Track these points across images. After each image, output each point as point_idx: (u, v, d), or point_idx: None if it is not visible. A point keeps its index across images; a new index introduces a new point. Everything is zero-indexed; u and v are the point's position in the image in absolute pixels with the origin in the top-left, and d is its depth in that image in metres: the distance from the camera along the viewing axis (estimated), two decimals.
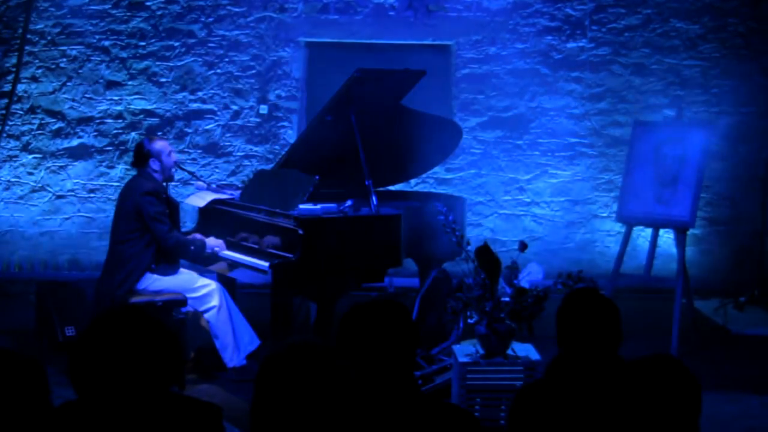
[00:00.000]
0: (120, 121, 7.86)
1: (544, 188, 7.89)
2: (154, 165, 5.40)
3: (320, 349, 2.17)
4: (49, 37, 7.79)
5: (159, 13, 7.79)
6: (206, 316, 5.34)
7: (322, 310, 5.17)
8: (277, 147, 7.83)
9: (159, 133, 7.80)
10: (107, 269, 5.40)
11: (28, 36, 7.76)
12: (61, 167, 7.89)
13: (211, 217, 5.81)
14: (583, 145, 7.87)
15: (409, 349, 2.51)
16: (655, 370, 2.40)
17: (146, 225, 5.28)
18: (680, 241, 6.19)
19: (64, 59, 7.81)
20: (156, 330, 2.29)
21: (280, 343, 2.21)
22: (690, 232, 6.62)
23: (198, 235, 5.63)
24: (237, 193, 5.80)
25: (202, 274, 5.57)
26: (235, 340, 5.37)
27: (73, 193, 7.91)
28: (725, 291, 7.38)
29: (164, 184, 5.53)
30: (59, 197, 7.90)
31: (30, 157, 7.87)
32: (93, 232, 7.87)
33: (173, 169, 5.51)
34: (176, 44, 7.81)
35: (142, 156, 5.41)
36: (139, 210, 5.27)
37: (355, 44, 7.80)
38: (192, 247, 5.42)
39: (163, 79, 7.84)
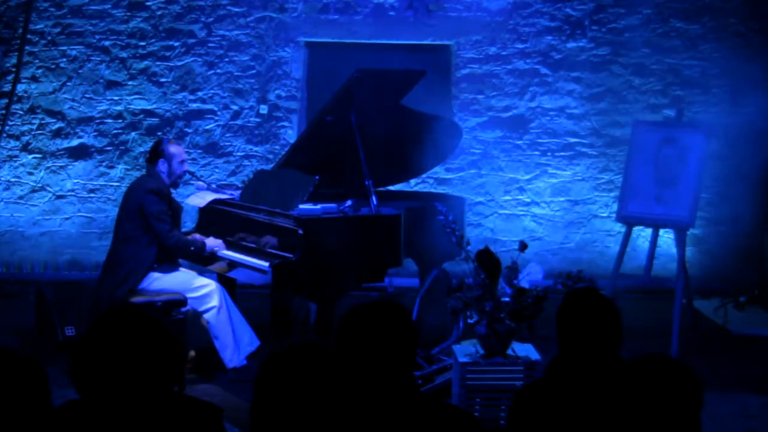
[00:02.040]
0: (120, 121, 7.86)
1: (544, 188, 7.89)
2: (162, 166, 5.41)
3: (320, 349, 2.17)
4: (49, 37, 7.80)
5: (159, 13, 7.79)
6: (206, 316, 5.34)
7: (322, 310, 5.17)
8: (277, 147, 7.83)
9: (159, 133, 7.81)
10: (108, 268, 5.40)
11: (28, 36, 7.76)
12: (61, 167, 7.89)
13: (211, 217, 5.81)
14: (583, 145, 7.87)
15: (409, 349, 2.51)
16: (653, 369, 2.40)
17: (149, 223, 5.29)
18: (680, 241, 6.19)
19: (64, 59, 7.81)
20: (157, 330, 2.30)
21: (280, 343, 2.21)
22: (690, 232, 6.62)
23: (197, 236, 5.64)
24: (237, 193, 5.80)
25: (202, 274, 5.57)
26: (234, 340, 5.37)
27: (73, 193, 7.91)
28: (725, 291, 7.38)
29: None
30: (59, 197, 7.90)
31: (30, 157, 7.87)
32: (93, 232, 7.87)
33: (180, 178, 5.53)
34: (176, 44, 7.81)
35: (155, 153, 5.45)
36: (141, 207, 5.28)
37: (355, 44, 7.80)
38: (192, 248, 5.42)
39: (163, 79, 7.84)
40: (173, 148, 5.48)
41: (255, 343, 5.47)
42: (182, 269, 5.53)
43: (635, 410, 2.36)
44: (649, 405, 2.35)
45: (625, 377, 2.40)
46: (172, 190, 5.55)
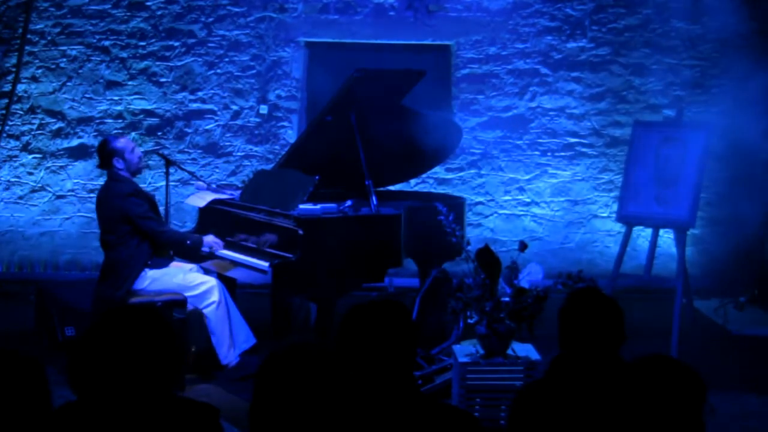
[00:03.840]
0: (120, 121, 7.86)
1: (544, 188, 7.89)
2: (118, 164, 5.37)
3: (320, 349, 2.17)
4: (49, 37, 7.80)
5: (159, 13, 7.79)
6: (205, 311, 5.34)
7: (322, 310, 5.17)
8: (277, 147, 7.83)
9: (159, 133, 7.81)
10: (104, 274, 5.40)
11: (28, 36, 7.76)
12: (61, 167, 7.89)
13: (211, 217, 5.80)
14: (583, 145, 7.87)
15: (409, 349, 2.51)
16: (656, 370, 2.40)
17: (135, 226, 5.28)
18: (680, 241, 6.19)
19: (64, 59, 7.81)
20: (157, 331, 2.29)
21: (280, 343, 2.21)
22: (690, 232, 6.61)
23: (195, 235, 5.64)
24: (237, 193, 5.80)
25: (201, 272, 5.57)
26: (231, 337, 5.37)
27: (73, 193, 7.91)
28: (725, 291, 7.37)
29: (134, 179, 5.50)
30: (59, 197, 7.90)
31: (30, 157, 7.87)
32: (93, 232, 7.84)
33: (140, 163, 5.47)
34: (176, 44, 7.81)
35: (105, 155, 5.38)
36: (125, 214, 5.26)
37: (355, 44, 7.80)
38: (189, 242, 5.42)
39: (163, 79, 7.84)
40: (119, 143, 5.40)
41: (250, 341, 5.48)
42: (174, 264, 5.51)
43: (638, 411, 2.36)
44: (652, 406, 2.35)
45: (629, 378, 2.40)
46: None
